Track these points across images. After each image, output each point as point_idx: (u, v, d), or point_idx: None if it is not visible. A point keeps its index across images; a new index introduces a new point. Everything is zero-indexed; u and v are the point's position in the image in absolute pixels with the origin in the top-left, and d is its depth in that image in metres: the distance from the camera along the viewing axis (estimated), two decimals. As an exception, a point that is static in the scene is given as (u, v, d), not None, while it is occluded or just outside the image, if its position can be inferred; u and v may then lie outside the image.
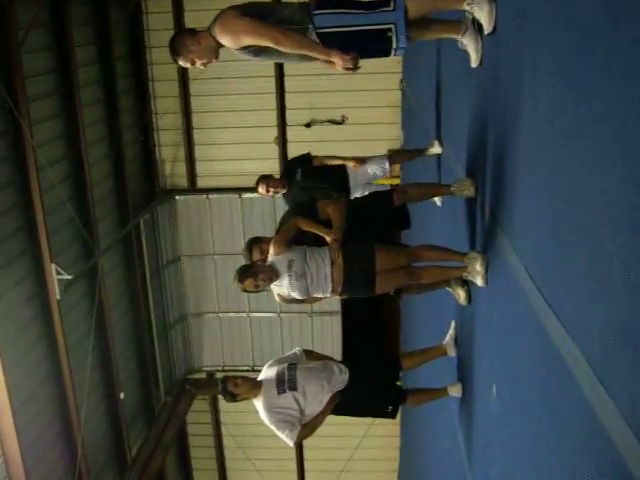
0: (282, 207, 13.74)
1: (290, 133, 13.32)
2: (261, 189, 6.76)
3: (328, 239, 4.80)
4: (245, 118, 13.29)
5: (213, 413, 15.83)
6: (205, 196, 14.04)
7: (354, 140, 12.74)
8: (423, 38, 4.46)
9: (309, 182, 6.90)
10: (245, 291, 4.83)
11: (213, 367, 15.43)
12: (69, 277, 9.43)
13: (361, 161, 7.00)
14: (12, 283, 8.75)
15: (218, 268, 14.47)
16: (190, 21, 12.82)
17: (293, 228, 4.89)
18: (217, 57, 4.16)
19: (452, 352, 5.43)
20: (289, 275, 4.69)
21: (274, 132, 13.31)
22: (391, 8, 3.91)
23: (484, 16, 3.90)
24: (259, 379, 5.08)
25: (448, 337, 5.51)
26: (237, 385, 4.93)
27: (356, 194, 6.96)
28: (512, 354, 3.55)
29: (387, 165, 7.20)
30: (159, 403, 13.99)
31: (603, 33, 2.22)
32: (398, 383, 5.53)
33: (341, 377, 5.03)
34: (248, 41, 3.96)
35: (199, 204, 14.11)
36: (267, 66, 12.69)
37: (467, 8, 3.94)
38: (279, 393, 4.89)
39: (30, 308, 9.25)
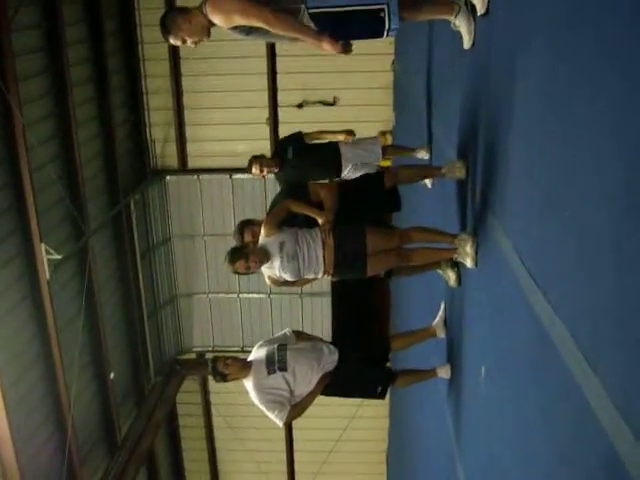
0: (273, 188, 13.80)
1: (282, 114, 13.27)
2: (254, 169, 6.75)
3: (320, 220, 4.81)
4: (236, 98, 13.23)
5: (203, 393, 15.88)
6: (196, 177, 13.99)
7: (346, 122, 12.64)
8: (416, 19, 4.43)
9: (301, 160, 6.91)
10: (236, 273, 4.84)
11: (203, 348, 15.47)
12: (59, 257, 9.40)
13: (351, 133, 7.03)
14: (1, 263, 8.71)
15: (208, 249, 14.46)
16: (181, 0, 12.73)
17: (284, 210, 4.88)
18: (209, 36, 4.12)
19: (441, 333, 5.46)
20: (280, 257, 4.70)
21: (265, 113, 13.26)
22: None
23: (465, 31, 4.04)
24: (249, 360, 5.09)
25: (438, 318, 5.53)
26: (227, 365, 4.95)
27: (347, 173, 6.97)
28: (502, 336, 3.57)
29: (379, 147, 7.22)
30: (149, 383, 14.02)
31: (595, 9, 2.22)
32: (387, 364, 5.56)
33: (330, 358, 5.05)
34: (239, 21, 3.92)
35: (190, 184, 14.07)
36: (259, 46, 12.62)
37: (451, 20, 4.04)
38: (269, 373, 4.92)
39: (20, 288, 9.22)
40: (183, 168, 13.93)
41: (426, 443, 7.52)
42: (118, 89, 12.57)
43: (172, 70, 13.10)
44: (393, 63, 12.36)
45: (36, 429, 9.56)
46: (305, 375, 4.92)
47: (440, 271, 5.21)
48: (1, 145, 8.89)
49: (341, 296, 14.18)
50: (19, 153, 8.96)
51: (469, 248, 4.30)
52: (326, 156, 6.99)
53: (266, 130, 13.31)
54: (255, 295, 14.83)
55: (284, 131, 12.41)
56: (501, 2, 3.59)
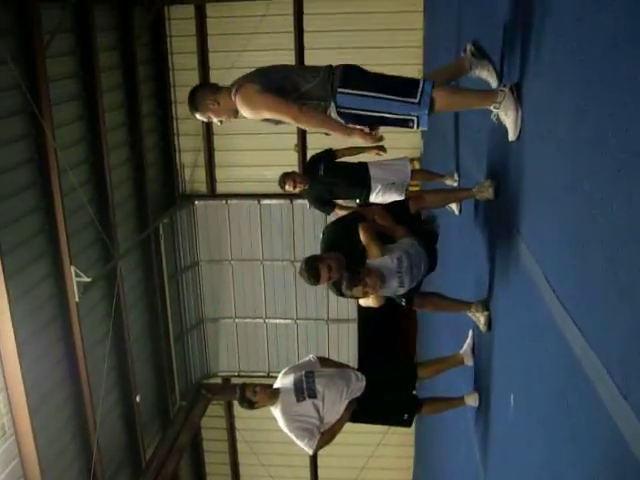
0: (300, 213, 13.81)
1: (310, 141, 13.33)
2: (288, 186, 6.94)
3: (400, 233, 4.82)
4: (265, 124, 13.30)
5: (228, 418, 15.86)
6: (224, 202, 14.09)
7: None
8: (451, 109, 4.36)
9: (331, 178, 7.04)
10: (351, 297, 4.64)
11: (229, 372, 15.45)
12: (88, 279, 9.49)
13: (382, 149, 7.07)
14: (32, 284, 8.81)
15: (236, 273, 14.52)
16: (212, 27, 12.92)
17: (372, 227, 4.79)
18: (236, 117, 4.18)
19: (469, 361, 5.41)
20: (398, 274, 4.55)
21: (294, 139, 13.33)
22: (416, 100, 3.80)
23: (509, 123, 3.80)
24: (276, 387, 5.07)
25: (466, 346, 5.48)
26: (255, 393, 4.95)
27: (377, 194, 7.05)
28: (531, 363, 3.53)
29: (408, 167, 7.32)
30: (174, 407, 14.03)
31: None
32: (414, 391, 5.52)
33: (358, 384, 5.02)
34: (267, 115, 4.03)
35: (218, 209, 14.16)
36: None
37: (493, 109, 3.85)
38: (298, 401, 4.89)
39: (49, 309, 9.32)
40: (212, 193, 14.04)
41: (453, 472, 7.42)
42: (148, 115, 12.76)
43: (202, 96, 13.24)
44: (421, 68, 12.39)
45: (62, 450, 9.60)
46: (334, 402, 4.90)
47: (470, 314, 5.12)
48: (34, 168, 9.04)
49: (367, 321, 14.12)
50: (51, 176, 9.10)
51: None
52: (356, 175, 7.10)
53: (294, 156, 13.38)
54: (281, 320, 14.83)
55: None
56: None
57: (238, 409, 15.64)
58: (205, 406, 14.88)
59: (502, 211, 4.33)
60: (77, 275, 9.35)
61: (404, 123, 3.89)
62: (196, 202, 14.17)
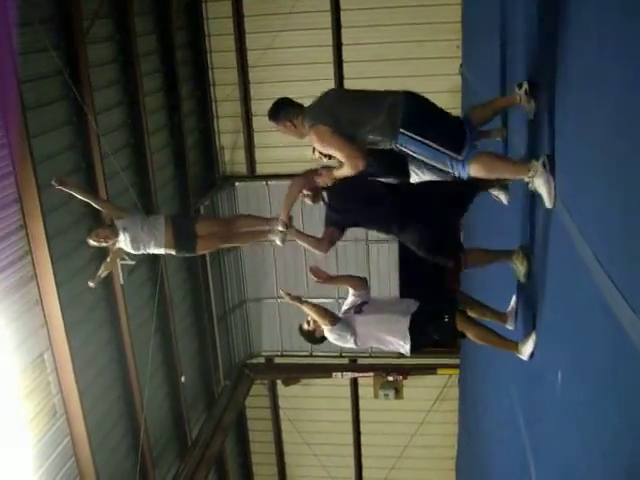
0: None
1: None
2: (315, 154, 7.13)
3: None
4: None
5: (271, 397, 16.01)
6: (264, 182, 14.12)
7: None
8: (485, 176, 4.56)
9: (369, 160, 7.04)
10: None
11: (272, 352, 15.58)
12: (132, 262, 9.61)
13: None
14: (78, 268, 8.97)
15: (277, 253, 14.57)
16: (249, 8, 12.90)
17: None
18: (301, 138, 4.72)
19: (511, 325, 5.31)
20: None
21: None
22: (461, 158, 4.24)
23: (544, 193, 3.98)
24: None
25: (510, 308, 5.38)
26: (309, 322, 5.30)
27: (415, 174, 7.02)
28: (580, 340, 3.50)
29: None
30: (218, 387, 14.21)
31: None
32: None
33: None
34: (333, 154, 4.56)
35: (258, 190, 14.21)
36: (326, 53, 12.69)
37: (528, 180, 4.08)
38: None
39: (95, 293, 9.46)
40: (252, 174, 14.10)
41: (497, 450, 7.40)
42: (188, 98, 12.83)
43: (240, 78, 13.29)
44: (461, 66, 12.25)
45: (110, 430, 9.81)
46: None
47: (511, 263, 5.10)
48: (77, 154, 9.18)
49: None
50: (94, 161, 9.23)
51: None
52: (394, 157, 7.07)
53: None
54: (323, 300, 14.83)
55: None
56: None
57: (282, 388, 15.79)
58: (249, 386, 15.04)
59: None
60: (122, 258, 9.47)
61: (443, 173, 4.47)
62: (236, 184, 14.24)
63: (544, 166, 3.98)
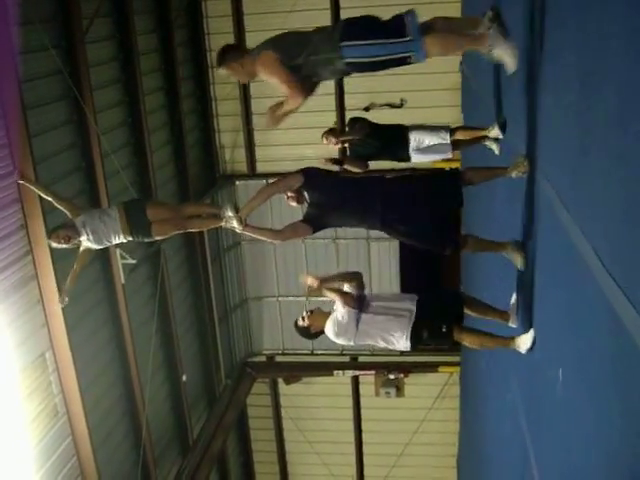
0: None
1: (349, 117, 13.28)
2: (325, 140, 7.69)
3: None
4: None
5: (273, 396, 16.03)
6: (265, 181, 14.08)
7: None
8: (448, 54, 4.72)
9: (369, 138, 7.54)
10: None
11: (273, 350, 15.60)
12: (133, 262, 9.63)
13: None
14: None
15: (278, 253, 14.59)
16: (248, 6, 12.90)
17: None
18: (250, 81, 5.01)
19: (514, 322, 5.30)
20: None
21: (333, 117, 13.30)
22: (408, 38, 4.29)
23: (506, 57, 4.15)
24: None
25: (511, 306, 5.38)
26: (304, 318, 5.37)
27: (415, 155, 7.62)
28: (580, 336, 3.50)
29: (448, 136, 7.70)
30: (220, 386, 14.22)
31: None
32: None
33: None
34: (276, 84, 4.68)
35: (259, 189, 14.18)
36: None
37: (487, 51, 4.22)
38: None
39: (96, 292, 9.49)
40: (252, 173, 14.11)
41: (499, 448, 7.40)
42: (188, 96, 12.83)
43: (240, 76, 13.27)
44: (461, 64, 12.24)
45: (112, 429, 9.82)
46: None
47: (506, 254, 5.11)
48: (77, 153, 9.18)
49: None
50: (94, 160, 9.23)
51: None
52: (394, 135, 7.40)
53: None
54: (325, 298, 14.84)
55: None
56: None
57: (283, 387, 15.81)
58: (250, 384, 15.06)
59: (546, 184, 4.27)
60: (122, 258, 9.50)
61: (404, 61, 4.39)
62: (237, 182, 14.24)
63: (491, 20, 4.19)
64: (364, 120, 7.79)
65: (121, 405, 10.16)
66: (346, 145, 7.69)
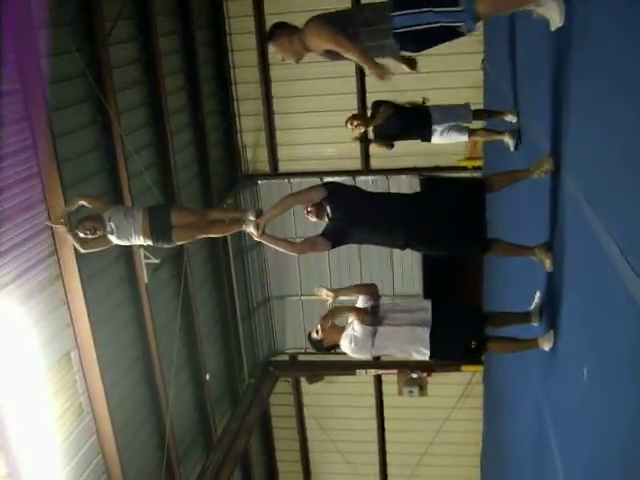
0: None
1: (372, 101, 13.26)
2: (349, 125, 7.83)
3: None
4: (326, 102, 13.29)
5: (295, 395, 16.05)
6: (287, 180, 14.14)
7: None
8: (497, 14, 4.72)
9: (393, 120, 7.81)
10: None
11: (295, 350, 15.59)
12: (157, 261, 9.69)
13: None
14: (103, 267, 9.04)
15: (300, 252, 14.56)
16: (269, 6, 12.91)
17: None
18: (298, 61, 4.82)
19: (536, 321, 5.29)
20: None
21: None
22: (460, 9, 4.22)
23: (553, 13, 4.11)
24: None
25: (534, 305, 5.37)
26: (318, 332, 5.32)
27: (438, 135, 7.78)
28: (605, 336, 3.47)
29: (470, 111, 7.93)
30: (243, 385, 14.26)
31: None
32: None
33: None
34: (327, 47, 4.56)
35: (281, 188, 14.19)
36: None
37: (534, 7, 4.18)
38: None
39: (120, 291, 9.56)
40: (274, 172, 14.12)
41: (523, 447, 7.36)
42: (210, 96, 12.88)
43: (262, 76, 13.31)
44: (483, 62, 12.18)
45: (137, 427, 9.88)
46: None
47: (535, 257, 5.07)
48: (101, 154, 9.24)
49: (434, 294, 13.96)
50: (118, 161, 9.30)
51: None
52: (417, 117, 7.49)
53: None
54: (347, 297, 14.83)
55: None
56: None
57: (306, 386, 15.82)
58: (273, 383, 15.08)
59: (570, 183, 4.24)
60: (146, 257, 9.56)
61: (454, 31, 4.37)
62: (259, 182, 14.27)
63: None
64: (387, 102, 7.93)
65: (145, 404, 10.22)
66: (370, 129, 7.90)
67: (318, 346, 5.38)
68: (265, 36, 4.89)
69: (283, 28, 4.78)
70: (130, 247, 9.47)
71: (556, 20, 4.19)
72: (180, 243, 6.92)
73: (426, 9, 4.28)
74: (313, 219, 5.36)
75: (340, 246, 5.26)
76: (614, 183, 3.24)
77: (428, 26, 4.33)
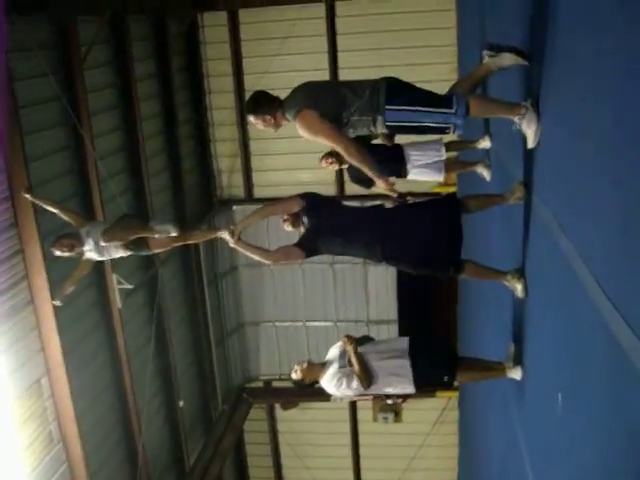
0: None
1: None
2: (324, 163, 7.72)
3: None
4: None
5: (270, 421, 15.93)
6: (262, 206, 14.10)
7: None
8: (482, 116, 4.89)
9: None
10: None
11: (270, 376, 15.52)
12: (130, 287, 9.61)
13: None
14: (75, 293, 8.92)
15: (275, 277, 14.57)
16: (245, 32, 13.00)
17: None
18: (277, 129, 4.83)
19: (517, 374, 5.23)
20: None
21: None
22: (453, 111, 4.33)
23: (530, 133, 4.23)
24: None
25: (507, 357, 5.34)
26: (297, 371, 5.36)
27: (411, 169, 7.67)
28: (579, 361, 3.49)
29: (443, 150, 7.72)
30: (217, 411, 14.13)
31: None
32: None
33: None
34: (323, 141, 4.59)
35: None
36: (321, 73, 12.76)
37: (517, 121, 4.28)
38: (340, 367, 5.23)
39: (93, 316, 9.46)
40: (249, 198, 14.13)
41: (498, 473, 7.35)
42: (185, 122, 12.89)
43: (237, 102, 13.36)
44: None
45: (108, 455, 9.73)
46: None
47: (506, 283, 5.08)
48: (74, 178, 9.19)
49: (408, 321, 14.04)
50: (91, 186, 9.25)
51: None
52: (390, 156, 7.52)
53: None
54: (322, 323, 14.84)
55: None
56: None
57: (280, 412, 15.71)
58: (247, 410, 14.97)
59: (542, 209, 4.28)
60: (119, 282, 9.48)
61: (442, 130, 4.46)
62: (234, 207, 14.25)
63: (533, 106, 4.22)
64: (363, 140, 7.88)
65: (117, 431, 10.07)
66: (344, 167, 7.74)
67: (299, 385, 5.41)
68: (245, 107, 4.79)
69: (266, 105, 4.67)
70: (103, 273, 9.42)
71: (530, 139, 4.29)
72: (157, 251, 6.91)
73: (421, 108, 4.38)
74: (289, 228, 5.36)
75: (314, 256, 5.25)
76: (587, 209, 3.27)
77: (418, 124, 4.45)
